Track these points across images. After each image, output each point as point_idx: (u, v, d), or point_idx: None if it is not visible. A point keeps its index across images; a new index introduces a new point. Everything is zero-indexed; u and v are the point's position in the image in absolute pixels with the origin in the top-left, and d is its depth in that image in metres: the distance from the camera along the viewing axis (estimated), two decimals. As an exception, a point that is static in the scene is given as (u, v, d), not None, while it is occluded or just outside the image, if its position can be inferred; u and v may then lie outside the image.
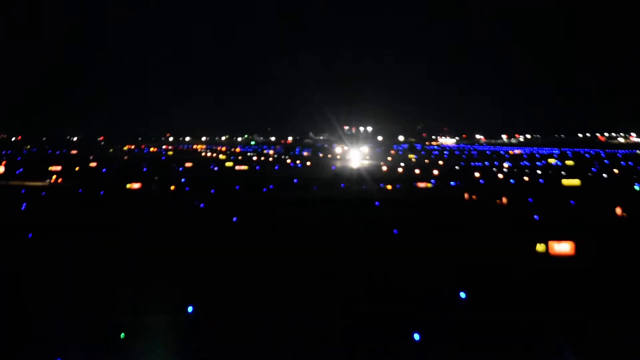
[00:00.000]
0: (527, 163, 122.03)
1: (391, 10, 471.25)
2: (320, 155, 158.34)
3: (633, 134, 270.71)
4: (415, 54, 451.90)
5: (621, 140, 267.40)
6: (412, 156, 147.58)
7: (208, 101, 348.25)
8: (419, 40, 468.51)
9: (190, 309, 26.67)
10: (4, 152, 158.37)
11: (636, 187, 69.95)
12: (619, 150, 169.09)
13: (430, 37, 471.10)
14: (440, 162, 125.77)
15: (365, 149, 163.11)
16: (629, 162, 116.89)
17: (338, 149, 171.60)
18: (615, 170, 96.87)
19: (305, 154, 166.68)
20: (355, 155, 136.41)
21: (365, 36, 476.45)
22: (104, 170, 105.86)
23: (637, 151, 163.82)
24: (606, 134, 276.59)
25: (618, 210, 51.23)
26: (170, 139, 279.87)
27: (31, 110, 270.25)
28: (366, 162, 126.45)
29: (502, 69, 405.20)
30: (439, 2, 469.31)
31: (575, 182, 76.59)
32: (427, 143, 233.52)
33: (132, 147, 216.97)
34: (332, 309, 26.79)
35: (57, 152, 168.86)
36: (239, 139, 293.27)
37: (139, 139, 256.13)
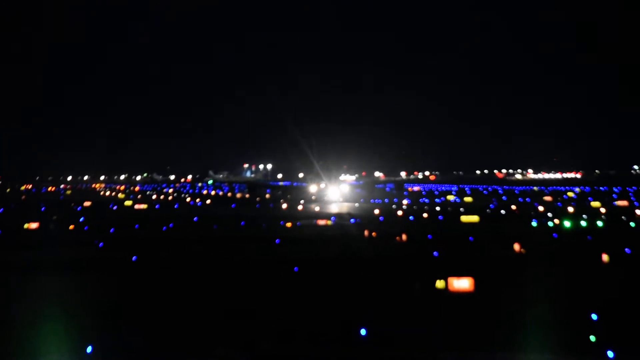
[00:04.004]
0: (426, 200, 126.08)
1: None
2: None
3: (530, 171, 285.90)
4: (315, 90, 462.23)
5: (518, 176, 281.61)
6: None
7: (107, 141, 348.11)
8: (317, 76, 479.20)
9: (89, 349, 26.89)
10: None
11: (533, 224, 73.74)
12: (517, 187, 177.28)
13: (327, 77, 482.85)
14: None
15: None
16: (527, 199, 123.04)
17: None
18: (513, 207, 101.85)
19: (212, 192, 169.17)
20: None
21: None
22: (0, 210, 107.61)
23: (534, 187, 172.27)
24: (504, 171, 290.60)
25: (516, 246, 53.95)
26: (69, 178, 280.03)
27: None
28: (267, 200, 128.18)
29: (401, 108, 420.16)
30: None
31: (474, 218, 79.98)
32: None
33: (30, 186, 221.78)
34: (234, 348, 27.28)
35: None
36: (138, 177, 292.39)
37: (37, 178, 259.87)
